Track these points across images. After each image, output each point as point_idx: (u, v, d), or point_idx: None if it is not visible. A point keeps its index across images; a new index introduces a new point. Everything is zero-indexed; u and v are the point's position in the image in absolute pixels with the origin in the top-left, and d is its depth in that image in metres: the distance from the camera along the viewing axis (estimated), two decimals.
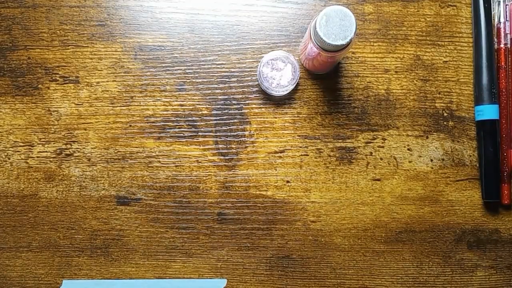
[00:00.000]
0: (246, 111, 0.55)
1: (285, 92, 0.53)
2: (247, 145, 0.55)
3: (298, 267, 0.54)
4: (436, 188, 0.55)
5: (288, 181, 0.55)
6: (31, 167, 0.55)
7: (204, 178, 0.55)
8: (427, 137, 0.55)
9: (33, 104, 0.55)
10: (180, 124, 0.55)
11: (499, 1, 0.54)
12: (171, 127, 0.55)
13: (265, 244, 0.54)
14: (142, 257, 0.55)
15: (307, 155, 0.55)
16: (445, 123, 0.55)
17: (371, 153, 0.55)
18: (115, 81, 0.55)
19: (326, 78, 0.55)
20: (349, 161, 0.55)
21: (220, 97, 0.55)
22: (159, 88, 0.55)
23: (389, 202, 0.55)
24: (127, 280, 0.54)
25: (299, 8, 0.55)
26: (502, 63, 0.54)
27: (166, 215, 0.55)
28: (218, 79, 0.55)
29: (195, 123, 0.55)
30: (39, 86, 0.55)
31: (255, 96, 0.55)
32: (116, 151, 0.55)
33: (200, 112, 0.55)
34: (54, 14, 0.55)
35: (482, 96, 0.53)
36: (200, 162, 0.55)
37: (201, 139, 0.55)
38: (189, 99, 0.55)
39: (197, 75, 0.55)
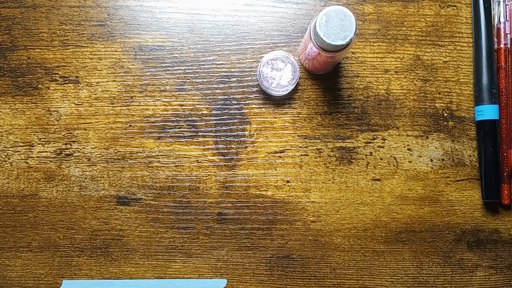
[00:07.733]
0: (246, 111, 0.55)
1: (285, 92, 0.53)
2: (247, 145, 0.55)
3: (298, 267, 0.54)
4: (436, 188, 0.55)
5: (288, 181, 0.55)
6: (31, 167, 0.55)
7: (204, 178, 0.55)
8: (427, 137, 0.55)
9: (33, 104, 0.55)
10: (180, 124, 0.55)
11: (499, 1, 0.54)
12: (171, 127, 0.55)
13: (265, 244, 0.54)
14: (142, 257, 0.55)
15: (307, 155, 0.55)
16: (445, 123, 0.55)
17: (371, 153, 0.55)
18: (115, 81, 0.55)
19: (326, 78, 0.55)
20: (349, 161, 0.55)
21: (220, 97, 0.55)
22: (159, 88, 0.55)
23: (389, 202, 0.55)
24: (127, 280, 0.54)
25: (299, 8, 0.55)
26: (502, 63, 0.54)
27: (166, 215, 0.55)
28: (218, 79, 0.55)
29: (195, 123, 0.55)
30: (39, 86, 0.55)
31: (255, 96, 0.55)
32: (116, 151, 0.55)
33: (200, 112, 0.55)
34: (54, 14, 0.55)
35: (482, 96, 0.53)
36: (200, 162, 0.55)
37: (201, 139, 0.55)
38: (189, 99, 0.55)
39: (197, 75, 0.55)
